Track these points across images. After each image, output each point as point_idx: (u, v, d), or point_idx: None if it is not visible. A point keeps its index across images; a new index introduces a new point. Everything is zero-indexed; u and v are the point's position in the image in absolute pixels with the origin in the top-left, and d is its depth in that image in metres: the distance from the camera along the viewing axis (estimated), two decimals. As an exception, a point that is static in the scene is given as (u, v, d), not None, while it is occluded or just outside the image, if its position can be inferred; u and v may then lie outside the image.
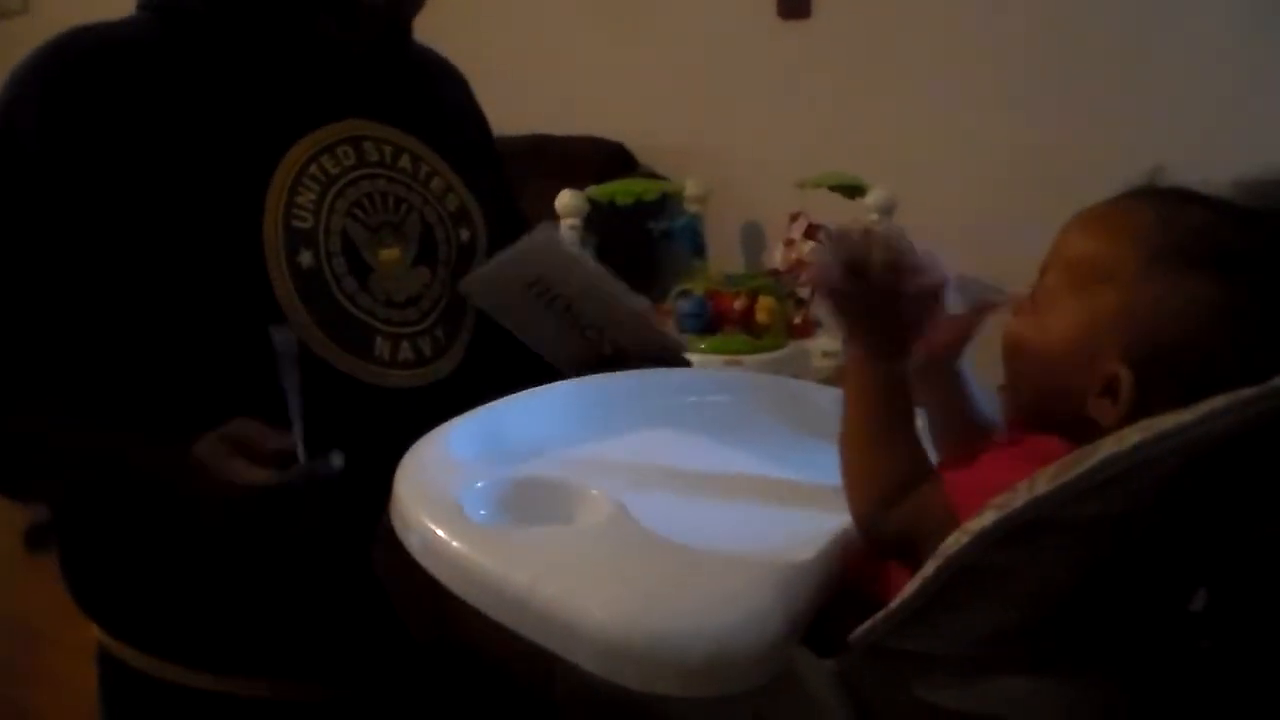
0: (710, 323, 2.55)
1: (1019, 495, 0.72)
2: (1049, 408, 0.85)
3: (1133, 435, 0.71)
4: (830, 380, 1.79)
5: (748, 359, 2.45)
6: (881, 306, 0.86)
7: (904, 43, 2.82)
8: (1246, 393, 0.70)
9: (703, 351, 2.50)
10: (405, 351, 1.21)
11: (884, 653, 0.76)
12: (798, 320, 2.65)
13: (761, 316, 2.53)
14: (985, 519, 0.72)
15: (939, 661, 0.76)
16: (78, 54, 1.15)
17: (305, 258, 1.16)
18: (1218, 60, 2.39)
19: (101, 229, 1.10)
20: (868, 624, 0.76)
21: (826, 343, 2.63)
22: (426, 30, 1.35)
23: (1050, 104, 2.58)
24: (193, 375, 1.13)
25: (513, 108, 2.58)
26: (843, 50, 2.93)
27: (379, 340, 1.19)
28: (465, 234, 1.29)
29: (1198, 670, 0.84)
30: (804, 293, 2.69)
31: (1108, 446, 0.71)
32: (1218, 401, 0.70)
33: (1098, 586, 0.75)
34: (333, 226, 1.19)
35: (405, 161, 1.27)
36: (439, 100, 1.38)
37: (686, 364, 1.30)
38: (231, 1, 1.20)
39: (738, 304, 2.54)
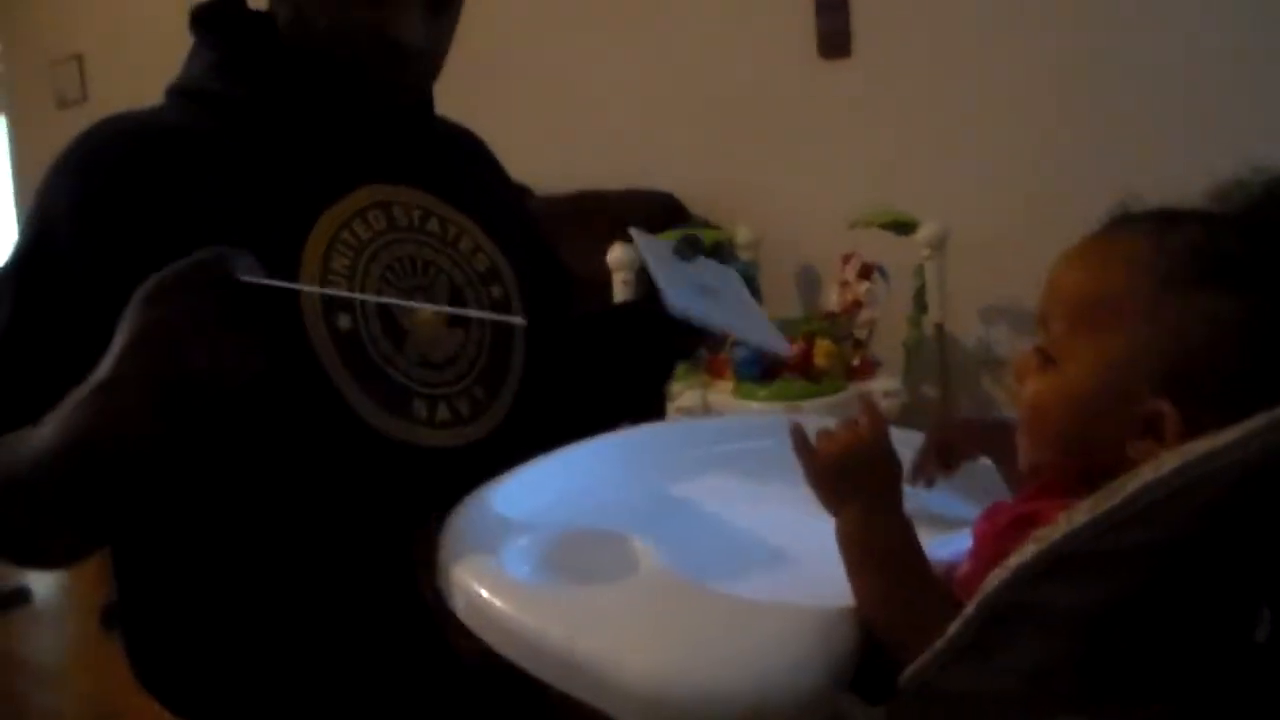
0: (768, 370, 2.55)
1: (1058, 528, 0.70)
2: (1082, 464, 0.81)
3: (1169, 461, 0.69)
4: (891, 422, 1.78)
5: (807, 404, 2.44)
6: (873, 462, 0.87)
7: (944, 76, 2.82)
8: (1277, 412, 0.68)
9: (761, 399, 2.50)
10: (443, 412, 1.21)
11: (933, 695, 0.75)
12: (856, 362, 2.64)
13: (819, 360, 2.53)
14: (1025, 553, 0.70)
15: (989, 700, 0.75)
16: (107, 141, 1.18)
17: (343, 321, 1.17)
18: (1271, 89, 2.36)
19: (122, 293, 1.12)
20: (914, 665, 0.74)
21: (886, 383, 2.62)
22: (467, 95, 1.37)
23: (1097, 128, 2.56)
24: (236, 443, 1.14)
25: (559, 166, 2.62)
26: (884, 87, 2.93)
27: (417, 401, 1.20)
28: (497, 291, 1.30)
29: (1261, 702, 0.82)
30: (861, 334, 2.68)
31: (1144, 474, 0.69)
32: (1255, 421, 0.68)
33: (1146, 617, 0.73)
34: (368, 290, 1.20)
35: (434, 225, 1.28)
36: (462, 163, 1.40)
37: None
38: (256, 81, 1.23)
39: (795, 349, 2.54)
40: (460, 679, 1.04)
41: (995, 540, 0.81)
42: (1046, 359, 0.84)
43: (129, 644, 1.26)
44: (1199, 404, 0.76)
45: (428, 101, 1.35)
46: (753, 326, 1.41)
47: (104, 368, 0.94)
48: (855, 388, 2.58)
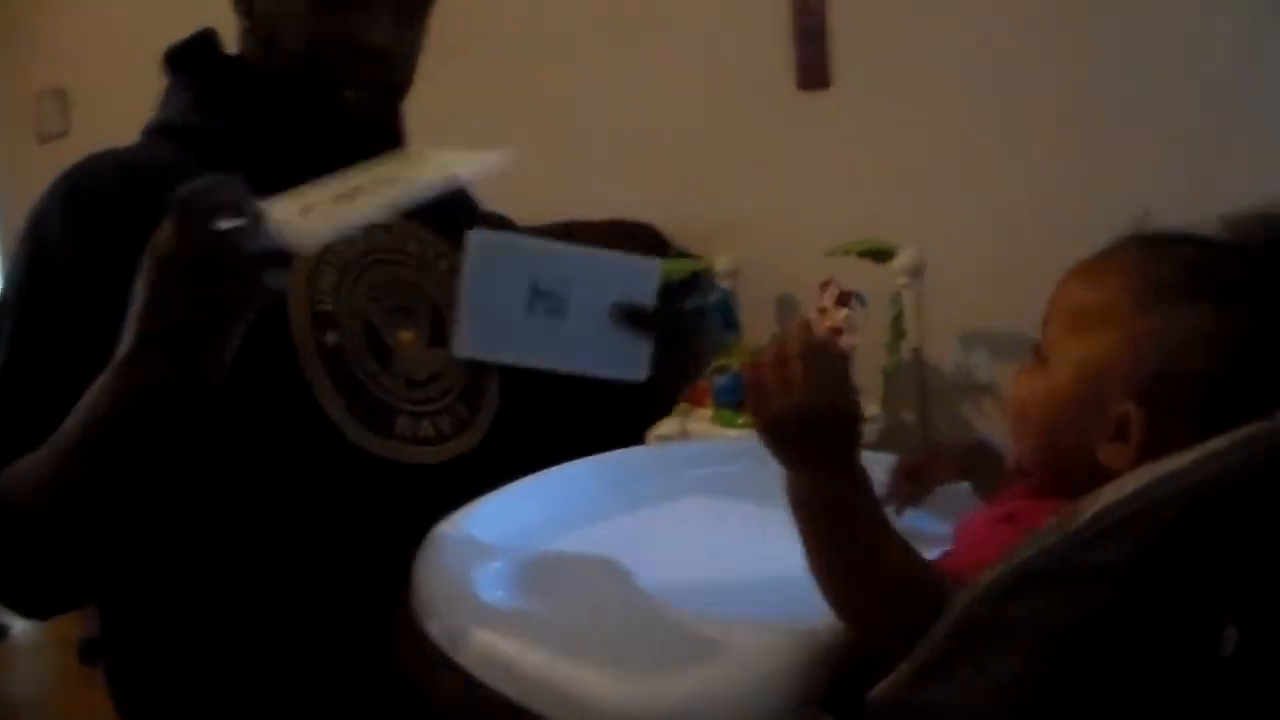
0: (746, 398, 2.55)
1: (1026, 546, 0.71)
2: (1061, 463, 0.84)
3: (1131, 482, 0.70)
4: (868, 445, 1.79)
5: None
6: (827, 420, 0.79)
7: (922, 107, 2.84)
8: (1245, 431, 0.70)
9: (740, 427, 2.52)
10: (426, 429, 1.23)
11: (905, 712, 0.76)
12: (835, 388, 2.65)
13: (798, 387, 2.53)
14: (994, 571, 0.71)
15: (961, 717, 0.75)
16: (97, 173, 1.21)
17: (331, 337, 1.19)
18: (1247, 107, 2.38)
19: (119, 327, 1.13)
20: (885, 682, 0.75)
21: (865, 409, 2.63)
22: (446, 126, 1.37)
23: (1074, 158, 2.58)
24: (228, 458, 1.14)
25: (540, 196, 2.62)
26: (863, 118, 2.95)
27: (401, 418, 1.22)
28: None
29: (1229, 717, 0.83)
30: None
31: (1108, 495, 0.70)
32: (1218, 442, 0.69)
33: (1116, 635, 0.74)
34: (353, 309, 1.21)
35: (413, 246, 1.31)
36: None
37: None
38: (234, 115, 1.26)
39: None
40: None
41: (970, 535, 0.83)
42: (1040, 361, 0.88)
43: (110, 675, 1.26)
44: (1169, 412, 0.79)
45: (399, 131, 1.36)
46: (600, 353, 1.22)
47: (125, 341, 0.96)
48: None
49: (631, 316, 1.10)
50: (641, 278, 1.12)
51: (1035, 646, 0.73)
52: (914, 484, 1.08)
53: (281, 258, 0.92)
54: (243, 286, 0.91)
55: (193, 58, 1.31)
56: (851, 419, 0.80)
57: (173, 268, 0.91)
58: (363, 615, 1.08)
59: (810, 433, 0.78)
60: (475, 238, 1.10)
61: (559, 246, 1.16)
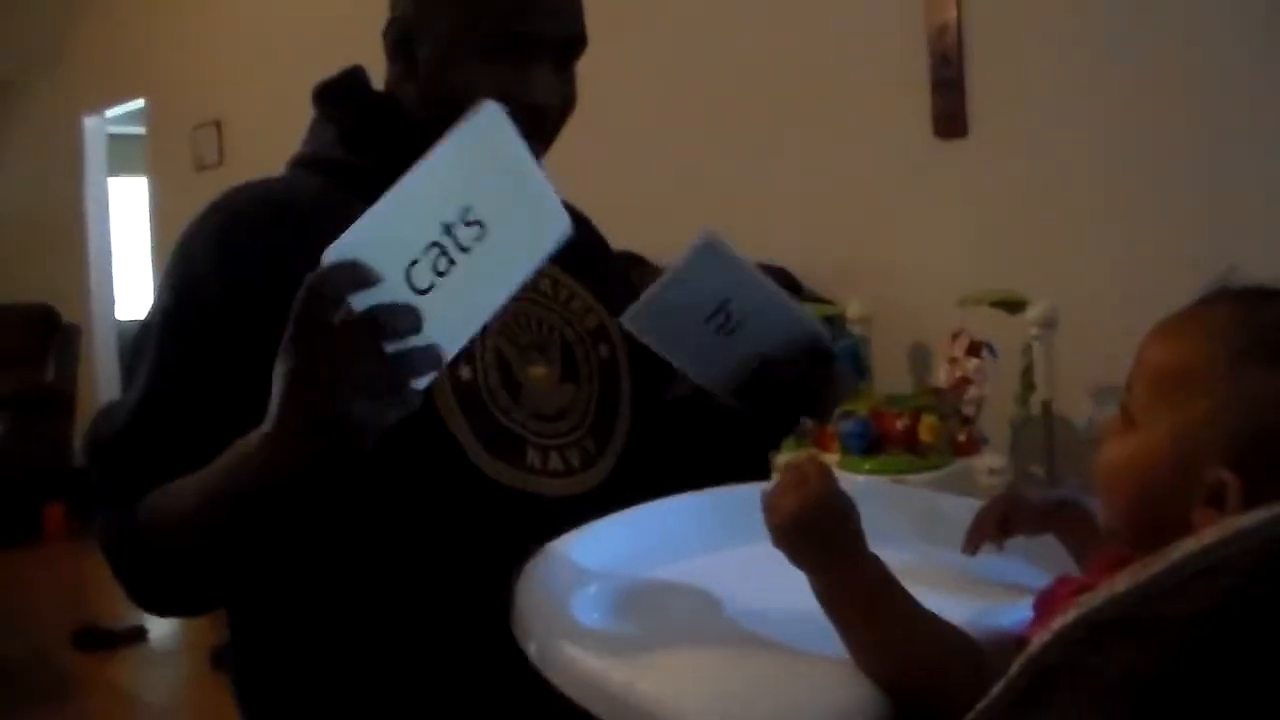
0: (874, 443, 2.56)
1: (1100, 594, 0.71)
2: (1152, 529, 0.81)
3: (1211, 532, 0.70)
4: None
5: (912, 478, 2.44)
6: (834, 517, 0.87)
7: (1059, 156, 2.81)
8: None
9: (866, 472, 2.51)
10: (555, 462, 1.25)
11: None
12: (962, 438, 2.64)
13: (925, 436, 2.53)
14: (1067, 617, 0.72)
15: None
16: (245, 204, 1.26)
17: (464, 372, 1.22)
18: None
19: (261, 356, 1.16)
20: (960, 723, 0.76)
21: (992, 460, 2.61)
22: (577, 170, 1.40)
23: (1210, 214, 2.54)
24: (362, 483, 1.15)
25: (674, 241, 2.67)
26: (1000, 167, 2.93)
27: (530, 451, 1.24)
28: (605, 350, 1.35)
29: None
30: (969, 410, 2.68)
31: (1187, 544, 0.70)
32: (1294, 497, 0.69)
33: (1195, 691, 0.73)
34: (488, 345, 1.25)
35: (546, 285, 1.34)
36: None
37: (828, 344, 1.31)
38: (379, 151, 1.28)
39: (900, 424, 2.55)
40: None
41: (1050, 606, 0.83)
42: (1128, 423, 0.86)
43: (238, 684, 1.30)
44: (1265, 477, 0.77)
45: None
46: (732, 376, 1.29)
47: (268, 420, 0.97)
48: (961, 463, 2.57)
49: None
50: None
51: (1108, 697, 0.73)
52: (997, 530, 1.08)
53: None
54: (386, 367, 0.90)
55: (341, 94, 1.35)
56: (842, 514, 0.87)
57: (300, 357, 0.92)
58: (485, 638, 1.10)
59: (810, 532, 0.86)
60: (704, 237, 1.19)
61: (761, 278, 1.23)
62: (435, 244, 0.93)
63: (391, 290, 0.89)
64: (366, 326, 0.88)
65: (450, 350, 0.93)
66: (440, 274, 0.92)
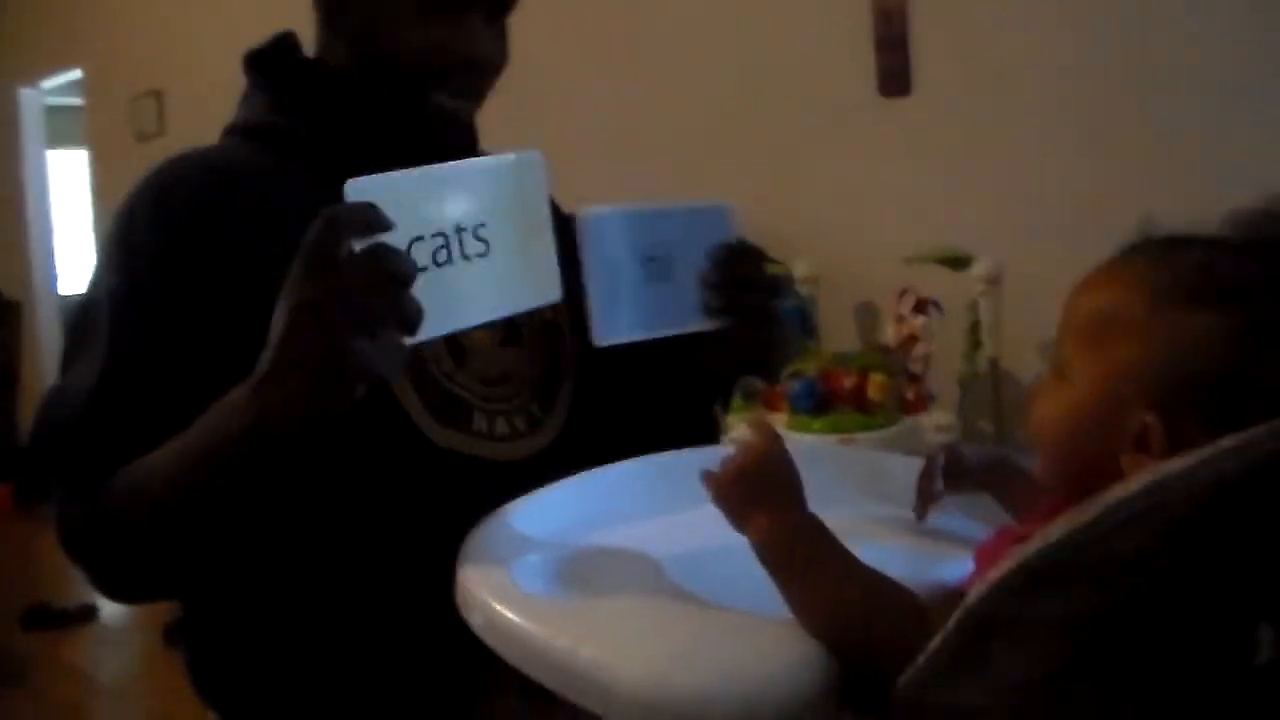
0: (822, 402, 2.56)
1: (1033, 543, 0.72)
2: (1085, 479, 0.82)
3: (1141, 478, 0.70)
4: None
5: (860, 436, 2.45)
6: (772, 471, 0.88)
7: (1004, 113, 2.83)
8: (1256, 430, 0.70)
9: (815, 431, 2.52)
10: (501, 426, 1.25)
11: (926, 709, 0.76)
12: (910, 396, 2.65)
13: (873, 394, 2.54)
14: (1002, 568, 0.72)
15: (981, 716, 0.76)
16: (183, 171, 1.23)
17: None
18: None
19: (213, 326, 1.15)
20: (903, 678, 0.76)
21: (940, 417, 2.63)
22: (526, 125, 1.39)
23: (1156, 167, 2.56)
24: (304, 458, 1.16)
25: (618, 199, 2.66)
26: (944, 125, 2.95)
27: (477, 415, 1.24)
28: (548, 312, 1.34)
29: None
30: (916, 368, 2.69)
31: (1115, 492, 0.71)
32: (1228, 440, 0.70)
33: (1130, 635, 0.74)
34: None
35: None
36: None
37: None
38: (312, 116, 1.28)
39: (848, 382, 2.55)
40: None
41: (989, 557, 0.83)
42: (1059, 378, 0.87)
43: (190, 660, 1.29)
44: (1187, 419, 0.78)
45: (473, 135, 1.37)
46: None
47: (264, 360, 0.95)
48: (909, 421, 2.59)
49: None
50: (725, 222, 1.23)
51: (1045, 645, 0.73)
52: (938, 484, 1.09)
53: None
54: (391, 304, 0.91)
55: (271, 60, 1.34)
56: (781, 464, 0.88)
57: (308, 286, 0.92)
58: (434, 606, 1.10)
59: (748, 483, 0.88)
60: (588, 218, 1.15)
61: (651, 209, 1.21)
62: (442, 235, 0.97)
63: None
64: (374, 260, 0.90)
65: (418, 337, 0.94)
66: (436, 265, 0.96)
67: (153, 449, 1.08)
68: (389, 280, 0.90)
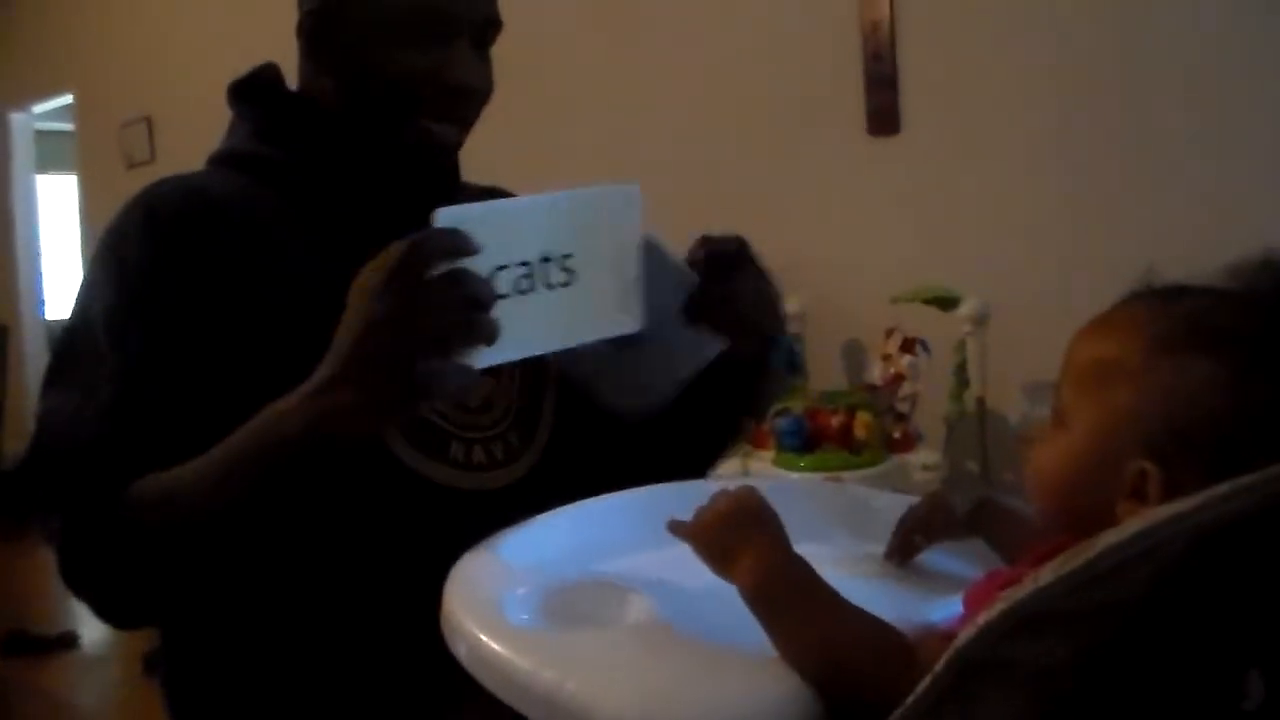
0: (809, 441, 2.57)
1: (1024, 587, 0.72)
2: (1081, 526, 0.81)
3: (1133, 524, 0.71)
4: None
5: (847, 475, 2.45)
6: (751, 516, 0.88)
7: (992, 154, 2.85)
8: (1249, 478, 0.70)
9: (801, 469, 2.52)
10: (478, 455, 1.25)
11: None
12: (897, 435, 2.66)
13: (859, 432, 2.54)
14: (992, 611, 0.72)
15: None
16: (169, 195, 1.24)
17: None
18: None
19: (201, 350, 1.16)
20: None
21: (926, 456, 2.63)
22: (509, 154, 1.40)
23: (1143, 208, 2.58)
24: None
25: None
26: (933, 164, 2.96)
27: (454, 444, 1.24)
28: None
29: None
30: (903, 407, 2.70)
31: (1108, 536, 0.71)
32: (1220, 487, 0.70)
33: (1118, 680, 0.74)
34: None
35: None
36: None
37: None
38: (294, 145, 1.30)
39: (835, 421, 2.56)
40: None
41: (978, 601, 0.83)
42: (1058, 424, 0.87)
43: (168, 689, 1.29)
44: (1184, 466, 0.78)
45: (456, 165, 1.38)
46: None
47: (326, 366, 0.98)
48: (896, 460, 2.59)
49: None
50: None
51: (1033, 689, 0.73)
52: (922, 536, 1.08)
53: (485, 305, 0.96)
54: (465, 326, 0.95)
55: (254, 91, 1.35)
56: (761, 506, 0.88)
57: (390, 301, 0.95)
58: (413, 636, 1.09)
59: (730, 526, 0.88)
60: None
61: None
62: (526, 264, 0.99)
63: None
64: (454, 284, 0.93)
65: (489, 360, 0.97)
66: (519, 292, 0.99)
67: (170, 458, 1.09)
68: (466, 303, 0.94)
